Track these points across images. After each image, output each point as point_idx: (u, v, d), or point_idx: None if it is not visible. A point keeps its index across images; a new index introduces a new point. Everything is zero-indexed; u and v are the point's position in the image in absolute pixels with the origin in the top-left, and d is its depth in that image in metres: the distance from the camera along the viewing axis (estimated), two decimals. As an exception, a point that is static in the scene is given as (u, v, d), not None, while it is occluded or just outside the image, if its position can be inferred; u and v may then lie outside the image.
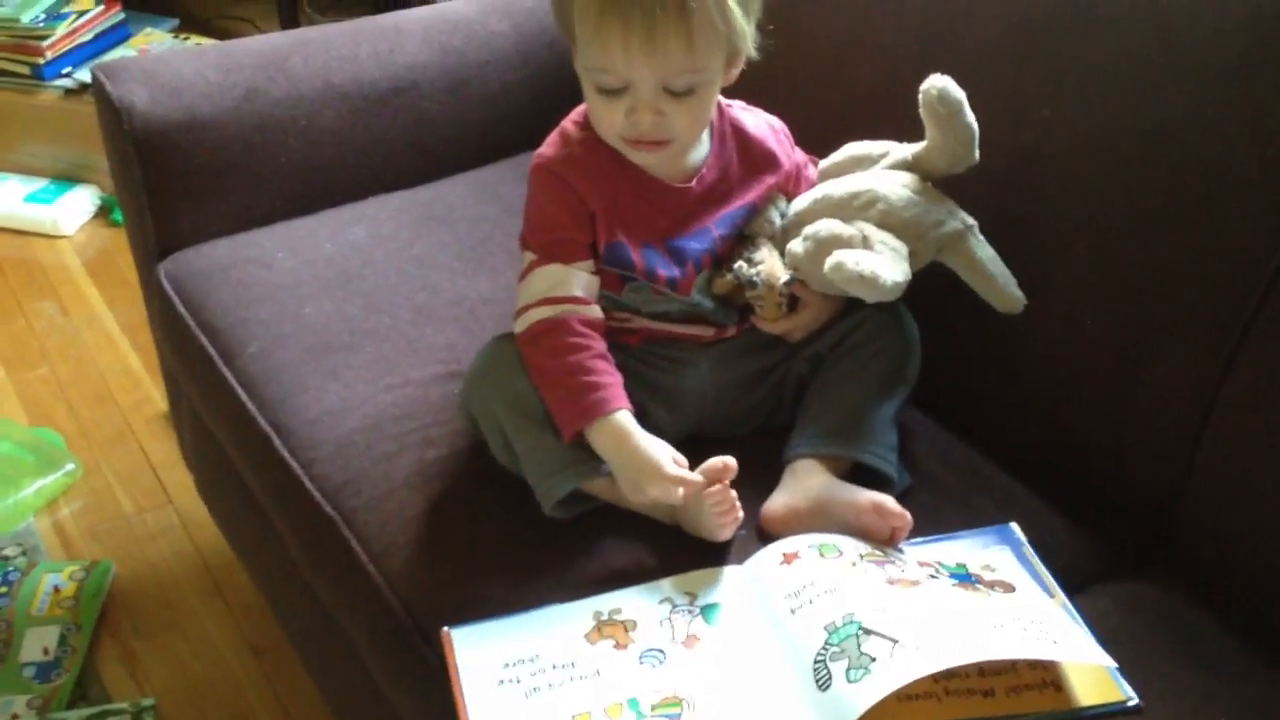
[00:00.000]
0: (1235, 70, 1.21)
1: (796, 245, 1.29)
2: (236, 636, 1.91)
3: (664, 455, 1.20)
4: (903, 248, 1.25)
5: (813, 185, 1.38)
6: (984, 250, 1.29)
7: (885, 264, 1.21)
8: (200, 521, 2.05)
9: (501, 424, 1.27)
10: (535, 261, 1.30)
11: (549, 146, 1.32)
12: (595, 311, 1.29)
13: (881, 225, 1.27)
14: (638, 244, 1.30)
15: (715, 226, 1.32)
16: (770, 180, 1.36)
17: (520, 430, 1.26)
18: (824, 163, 1.40)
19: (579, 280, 1.28)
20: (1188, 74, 1.24)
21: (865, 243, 1.25)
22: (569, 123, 1.33)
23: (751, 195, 1.35)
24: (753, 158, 1.35)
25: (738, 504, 1.21)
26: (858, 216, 1.28)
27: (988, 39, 1.41)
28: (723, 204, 1.33)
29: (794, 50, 1.60)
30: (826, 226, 1.26)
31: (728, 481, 1.20)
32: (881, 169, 1.34)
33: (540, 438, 1.25)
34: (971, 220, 1.30)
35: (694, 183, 1.31)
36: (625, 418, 1.22)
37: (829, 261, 1.21)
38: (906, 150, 1.33)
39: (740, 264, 1.31)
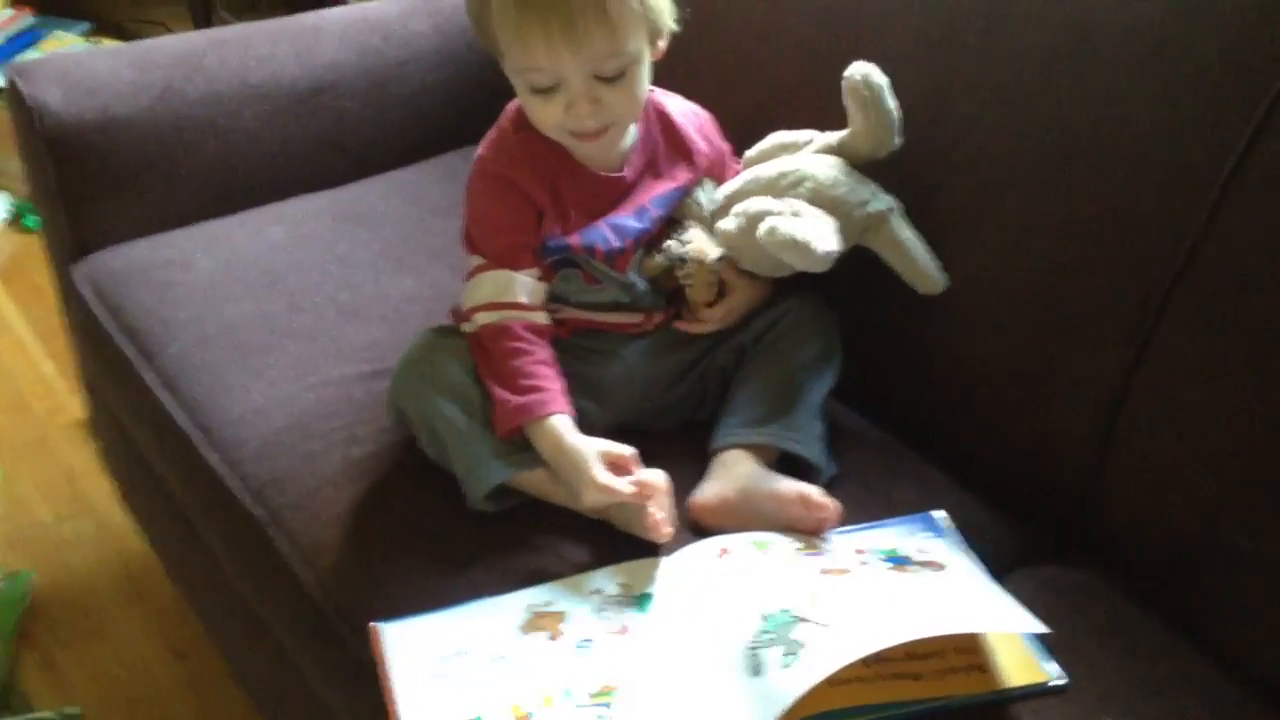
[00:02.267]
0: (1145, 65, 1.23)
1: (728, 223, 1.30)
2: (159, 641, 1.89)
3: (593, 460, 1.20)
4: (833, 222, 1.27)
5: (739, 174, 1.40)
6: (906, 232, 1.32)
7: (818, 231, 1.23)
8: (120, 528, 2.02)
9: (430, 415, 1.27)
10: (482, 265, 1.31)
11: (487, 148, 1.33)
12: (540, 317, 1.30)
13: (811, 203, 1.28)
14: (577, 229, 1.31)
15: (652, 206, 1.34)
16: (697, 162, 1.38)
17: (450, 421, 1.26)
18: (750, 151, 1.42)
19: (524, 286, 1.29)
20: (1101, 69, 1.26)
21: (796, 216, 1.26)
22: (504, 122, 1.34)
23: (682, 178, 1.37)
24: (678, 140, 1.37)
25: (666, 525, 1.21)
26: (787, 194, 1.30)
27: (907, 35, 1.42)
28: (656, 185, 1.35)
29: (715, 44, 1.62)
30: (756, 203, 1.28)
31: (656, 498, 1.20)
32: (807, 154, 1.35)
33: (471, 429, 1.25)
34: (896, 202, 1.32)
35: (625, 170, 1.33)
36: (561, 421, 1.23)
37: (762, 226, 1.23)
38: (831, 136, 1.35)
39: (670, 243, 1.32)
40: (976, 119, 1.35)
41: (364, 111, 1.88)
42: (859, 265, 1.32)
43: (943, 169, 1.38)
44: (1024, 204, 1.31)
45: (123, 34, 3.45)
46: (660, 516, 1.20)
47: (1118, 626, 1.21)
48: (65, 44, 3.21)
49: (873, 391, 1.46)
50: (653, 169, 1.35)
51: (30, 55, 3.12)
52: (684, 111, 1.40)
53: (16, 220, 2.98)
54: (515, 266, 1.29)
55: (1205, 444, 1.20)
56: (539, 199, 1.29)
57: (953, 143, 1.37)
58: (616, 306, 1.36)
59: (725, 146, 1.44)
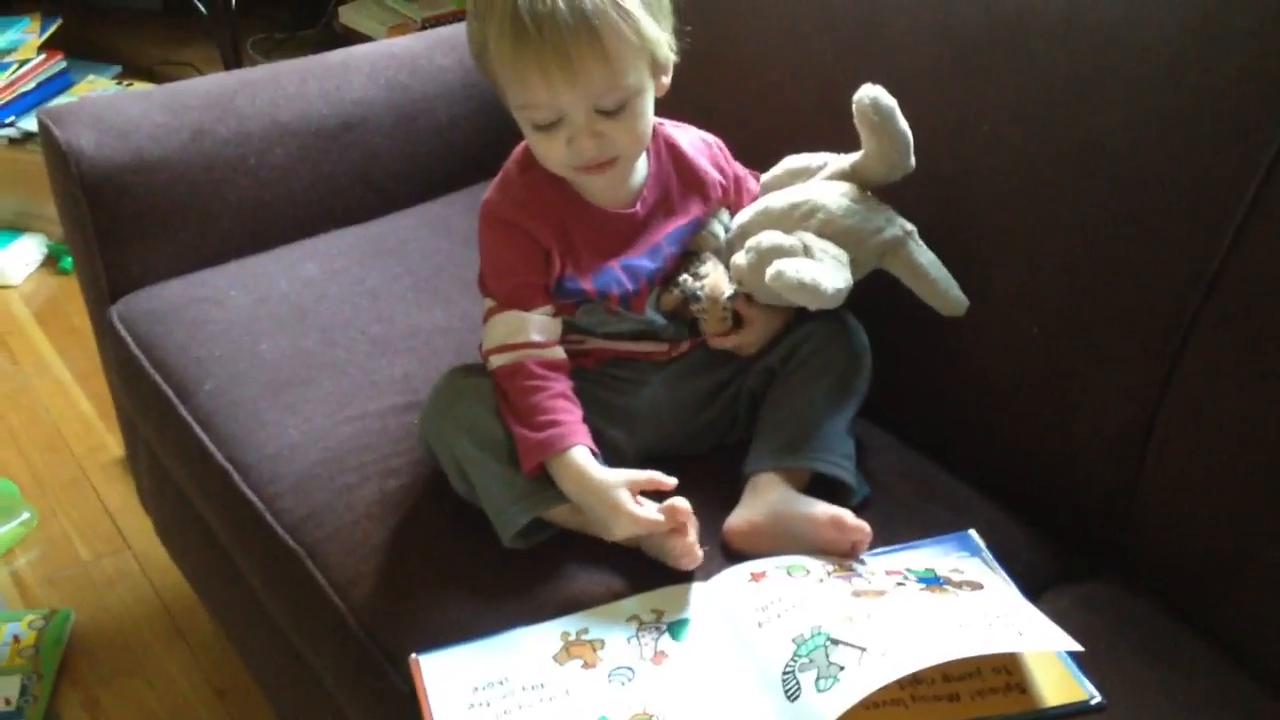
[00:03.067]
0: (1162, 82, 1.23)
1: (740, 258, 1.31)
2: (199, 679, 1.90)
3: (621, 492, 1.20)
4: (844, 255, 1.27)
5: (755, 198, 1.40)
6: (924, 255, 1.31)
7: (826, 271, 1.23)
8: (159, 565, 2.04)
9: (458, 456, 1.27)
10: (494, 308, 1.31)
11: (494, 191, 1.33)
12: (555, 353, 1.30)
13: (822, 234, 1.29)
14: (590, 271, 1.31)
15: (666, 244, 1.34)
16: (711, 194, 1.38)
17: (476, 462, 1.26)
18: (765, 176, 1.42)
19: (536, 325, 1.29)
20: (1118, 87, 1.27)
21: (806, 252, 1.26)
22: (511, 164, 1.34)
23: (695, 211, 1.37)
24: (690, 173, 1.37)
25: (697, 549, 1.21)
26: (799, 226, 1.30)
27: (923, 58, 1.43)
28: (669, 221, 1.35)
29: (729, 70, 1.63)
30: (768, 238, 1.28)
31: (687, 524, 1.20)
32: (821, 179, 1.36)
33: (497, 469, 1.25)
34: (911, 226, 1.32)
35: (637, 206, 1.33)
36: (581, 454, 1.23)
37: (770, 271, 1.23)
38: (845, 160, 1.35)
39: (685, 278, 1.33)
40: (998, 138, 1.36)
41: (393, 146, 1.90)
42: (881, 286, 1.32)
43: (965, 188, 1.38)
44: (1048, 221, 1.32)
45: (153, 77, 3.49)
46: (689, 541, 1.20)
47: (1155, 643, 1.21)
48: (97, 87, 3.24)
49: (901, 411, 1.46)
50: (665, 205, 1.35)
51: (63, 100, 3.15)
52: (694, 143, 1.39)
53: (53, 262, 3.01)
54: (527, 307, 1.30)
55: (1238, 459, 1.20)
56: (545, 241, 1.29)
57: (974, 162, 1.38)
58: (640, 336, 1.36)
59: (739, 171, 1.44)
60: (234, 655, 1.78)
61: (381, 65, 1.91)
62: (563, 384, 1.28)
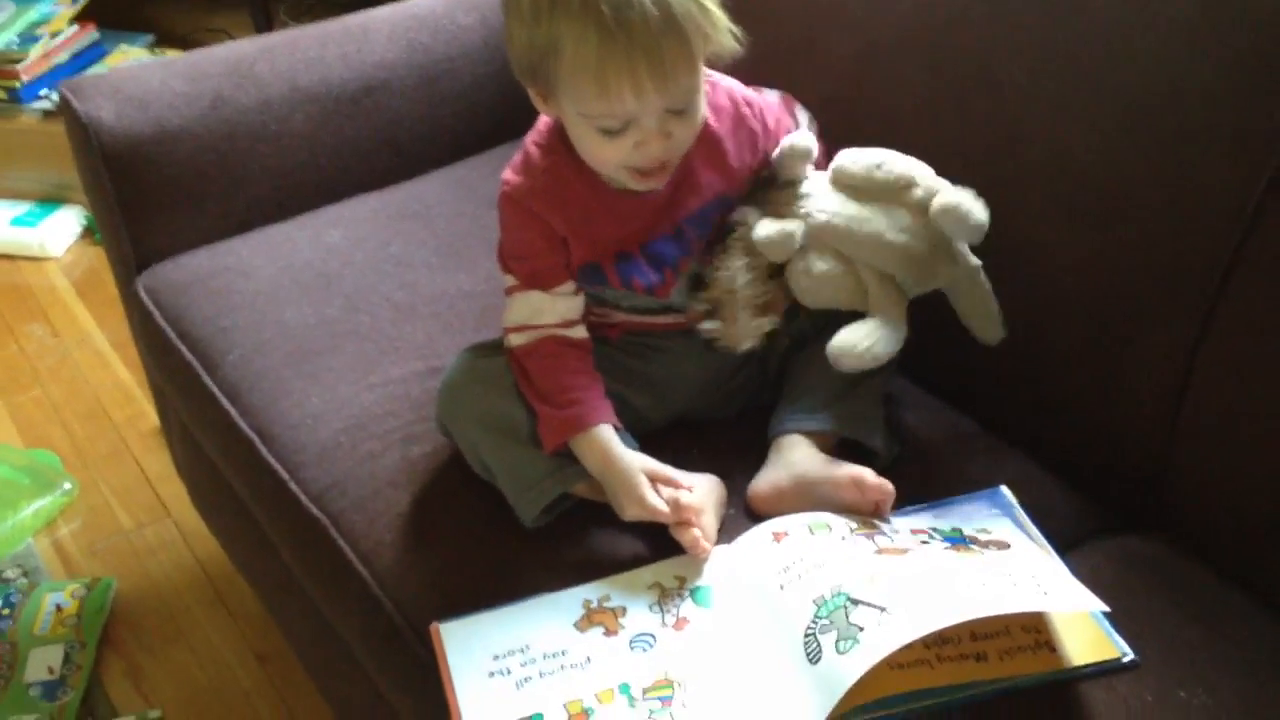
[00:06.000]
0: (1196, 25, 1.20)
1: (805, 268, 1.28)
2: (240, 644, 1.92)
3: (639, 477, 1.20)
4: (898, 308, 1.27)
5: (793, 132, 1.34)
6: (979, 291, 1.29)
7: (884, 338, 1.24)
8: (199, 533, 2.04)
9: (474, 442, 1.27)
10: (516, 286, 1.29)
11: (514, 171, 1.28)
12: (577, 332, 1.28)
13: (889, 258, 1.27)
14: (612, 257, 1.28)
15: (688, 226, 1.29)
16: (732, 164, 1.30)
17: (493, 446, 1.25)
18: (846, 163, 1.30)
19: (558, 307, 1.28)
20: (1150, 31, 1.23)
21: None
22: (532, 145, 1.28)
23: (720, 186, 1.30)
24: (712, 146, 1.28)
25: (702, 543, 1.18)
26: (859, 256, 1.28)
27: (958, 9, 1.40)
28: (691, 200, 1.28)
29: (767, 31, 1.59)
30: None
31: (694, 520, 1.19)
32: (900, 218, 1.28)
33: (515, 452, 1.24)
34: (975, 263, 1.28)
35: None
36: (605, 432, 1.22)
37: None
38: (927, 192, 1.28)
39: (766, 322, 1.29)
40: (1029, 85, 1.32)
41: (415, 109, 1.88)
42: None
43: (1002, 142, 1.35)
44: (1084, 177, 1.28)
45: (186, 45, 3.48)
46: (693, 535, 1.18)
47: (1194, 599, 1.19)
48: (130, 57, 3.24)
49: (939, 368, 1.44)
50: (687, 181, 1.27)
51: (96, 70, 3.16)
52: (720, 108, 1.28)
53: (91, 234, 3.02)
54: (546, 287, 1.27)
55: (1275, 411, 1.17)
56: (562, 229, 1.26)
57: (1010, 114, 1.34)
58: (666, 309, 1.33)
59: (770, 121, 1.33)
60: (274, 621, 1.79)
61: (402, 27, 1.89)
62: (582, 360, 1.27)
